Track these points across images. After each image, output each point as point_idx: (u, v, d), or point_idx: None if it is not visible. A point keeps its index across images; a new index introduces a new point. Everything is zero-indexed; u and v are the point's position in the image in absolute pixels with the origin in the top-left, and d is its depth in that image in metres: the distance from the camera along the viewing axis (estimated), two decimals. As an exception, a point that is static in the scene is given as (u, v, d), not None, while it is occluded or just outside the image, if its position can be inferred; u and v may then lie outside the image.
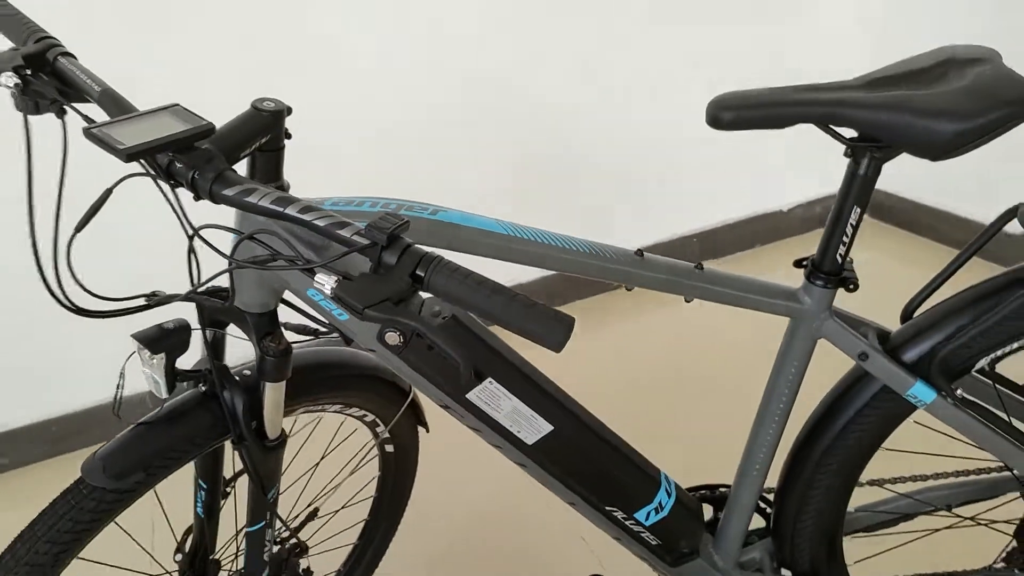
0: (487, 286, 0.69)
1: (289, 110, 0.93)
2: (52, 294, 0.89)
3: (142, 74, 1.53)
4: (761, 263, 2.70)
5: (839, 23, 2.61)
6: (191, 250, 0.87)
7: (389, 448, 1.42)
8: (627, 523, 1.15)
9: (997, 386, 1.05)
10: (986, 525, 1.22)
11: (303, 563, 1.33)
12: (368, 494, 1.49)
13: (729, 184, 2.62)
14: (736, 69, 2.42)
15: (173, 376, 0.99)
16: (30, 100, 0.91)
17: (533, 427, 1.06)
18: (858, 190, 0.95)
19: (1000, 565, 1.24)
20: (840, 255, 0.98)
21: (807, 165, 2.66)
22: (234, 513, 1.21)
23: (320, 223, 0.77)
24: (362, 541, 1.53)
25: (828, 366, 1.11)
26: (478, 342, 1.02)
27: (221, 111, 0.91)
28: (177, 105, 0.84)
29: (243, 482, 1.15)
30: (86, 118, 0.85)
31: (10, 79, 0.90)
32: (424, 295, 0.99)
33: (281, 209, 0.78)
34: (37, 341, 1.93)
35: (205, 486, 1.18)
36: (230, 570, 1.25)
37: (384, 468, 1.45)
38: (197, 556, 1.23)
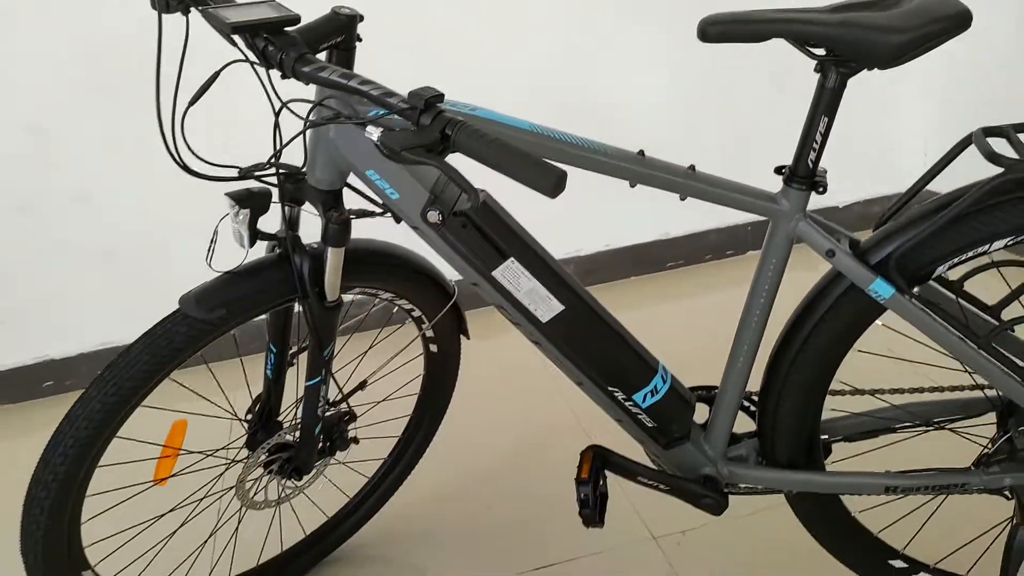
0: (498, 144, 0.88)
1: (361, 17, 1.15)
2: (170, 154, 1.13)
3: None
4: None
5: None
6: (277, 124, 1.10)
7: (433, 348, 1.62)
8: (626, 404, 1.32)
9: (952, 291, 1.20)
10: (960, 434, 1.34)
11: (351, 432, 1.54)
12: (414, 391, 1.69)
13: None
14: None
15: (255, 233, 1.22)
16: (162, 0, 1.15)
17: (548, 306, 1.25)
18: (826, 102, 1.11)
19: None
20: (811, 161, 1.15)
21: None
22: (295, 391, 1.42)
23: (374, 92, 0.98)
24: (406, 435, 1.74)
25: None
26: (502, 225, 1.22)
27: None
28: (278, 2, 1.07)
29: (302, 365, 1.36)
30: (203, 12, 1.09)
31: (149, -18, 1.14)
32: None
33: (345, 82, 1.00)
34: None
35: (274, 349, 1.41)
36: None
37: (428, 367, 1.66)
38: (263, 414, 1.46)
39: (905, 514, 1.46)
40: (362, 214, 1.28)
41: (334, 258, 1.25)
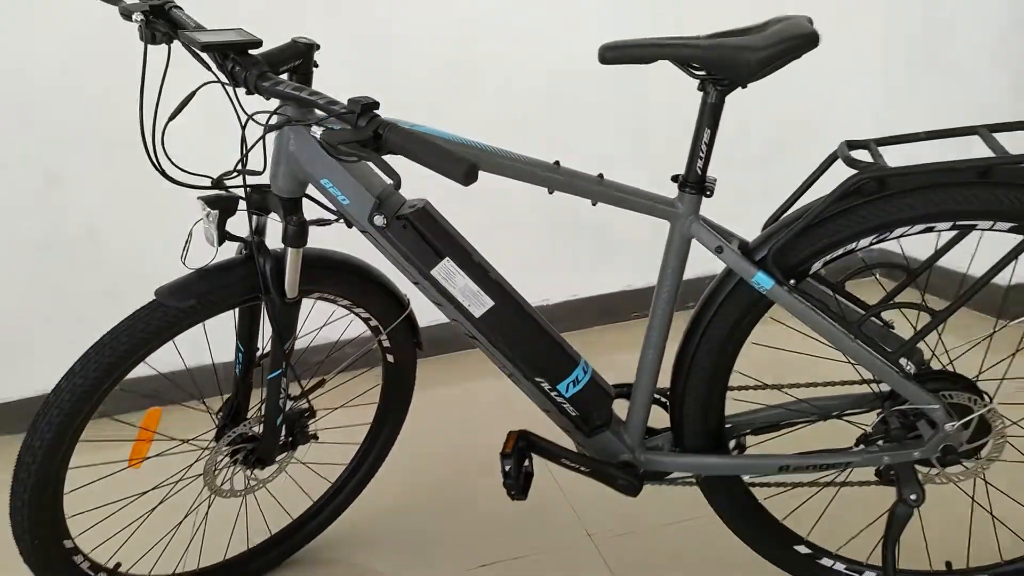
0: (421, 140, 1.06)
1: (318, 46, 1.36)
2: (152, 163, 1.33)
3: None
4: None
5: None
6: (244, 134, 1.30)
7: (390, 359, 1.79)
8: (551, 394, 1.48)
9: (833, 289, 1.37)
10: (849, 421, 1.49)
11: (311, 428, 1.70)
12: (373, 400, 1.85)
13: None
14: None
15: (223, 234, 1.40)
16: (149, 32, 1.36)
17: (479, 301, 1.42)
18: (708, 116, 1.29)
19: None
20: (700, 168, 1.33)
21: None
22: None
23: (320, 100, 1.18)
24: (367, 442, 1.89)
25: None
26: (439, 229, 1.40)
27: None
28: (241, 28, 1.28)
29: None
30: (180, 35, 1.30)
31: (139, 17, 1.35)
32: (409, 200, 1.40)
33: (297, 93, 1.20)
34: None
35: (243, 349, 1.58)
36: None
37: (386, 376, 1.82)
38: (232, 409, 1.62)
39: (804, 500, 1.60)
40: (320, 222, 1.46)
41: (293, 257, 1.44)
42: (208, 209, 1.38)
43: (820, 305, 1.33)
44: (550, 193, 1.37)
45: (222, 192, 1.40)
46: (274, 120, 1.28)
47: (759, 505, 1.56)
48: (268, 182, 1.41)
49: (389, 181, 1.11)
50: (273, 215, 1.45)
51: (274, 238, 1.44)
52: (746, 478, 1.54)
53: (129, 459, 1.54)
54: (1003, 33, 2.49)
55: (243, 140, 1.30)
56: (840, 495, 1.60)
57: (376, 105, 1.13)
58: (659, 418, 1.53)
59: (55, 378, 1.39)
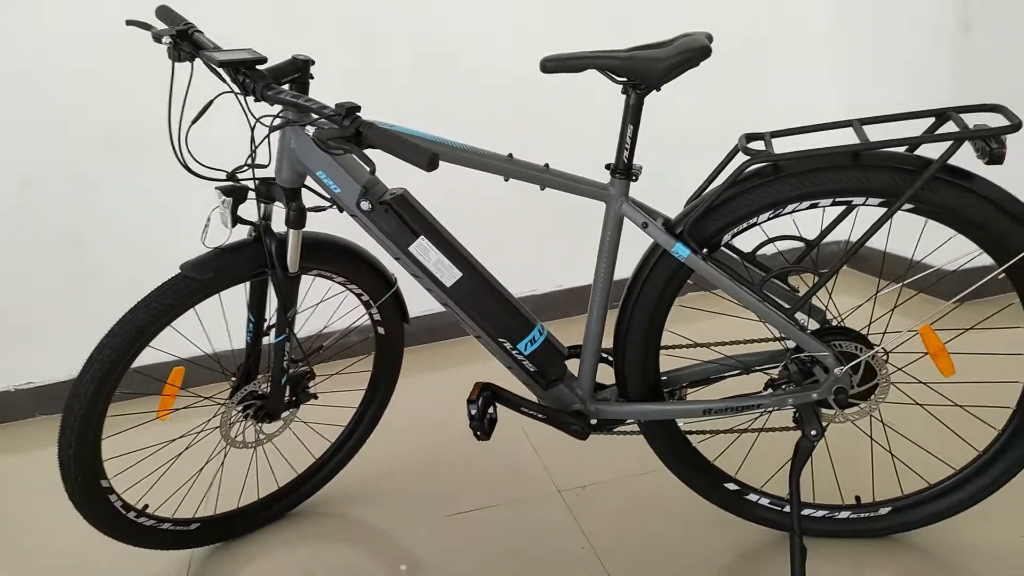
0: (392, 135, 1.34)
1: (313, 61, 1.65)
2: (178, 160, 1.61)
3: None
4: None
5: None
6: (252, 138, 1.58)
7: (381, 331, 2.07)
8: (513, 352, 1.75)
9: (744, 257, 1.64)
10: (765, 372, 1.75)
11: (312, 388, 1.97)
12: (367, 368, 2.13)
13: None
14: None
15: (236, 218, 1.69)
16: (176, 52, 1.65)
17: (450, 273, 1.70)
18: (631, 115, 1.56)
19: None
20: (626, 158, 1.59)
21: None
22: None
23: (313, 105, 1.46)
24: (362, 406, 2.16)
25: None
26: (415, 212, 1.68)
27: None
28: (251, 49, 1.57)
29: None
30: (201, 55, 1.59)
31: (168, 40, 1.64)
32: (390, 189, 1.67)
33: (295, 99, 1.49)
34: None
35: (252, 319, 1.86)
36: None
37: (377, 347, 2.10)
38: (245, 372, 1.90)
39: (729, 444, 1.86)
40: (317, 209, 1.75)
41: (294, 238, 1.72)
42: (223, 197, 1.66)
43: (729, 270, 1.59)
44: (505, 180, 1.65)
45: (235, 183, 1.68)
46: (277, 122, 1.56)
47: (693, 449, 1.81)
48: (273, 174, 1.70)
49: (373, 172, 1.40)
50: (277, 202, 1.74)
51: (278, 222, 1.73)
52: (681, 425, 1.80)
53: (157, 412, 1.82)
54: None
55: (252, 139, 1.59)
56: (764, 440, 1.86)
57: (358, 108, 1.42)
58: (609, 376, 1.79)
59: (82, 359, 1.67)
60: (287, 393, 1.92)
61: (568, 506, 2.05)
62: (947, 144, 1.42)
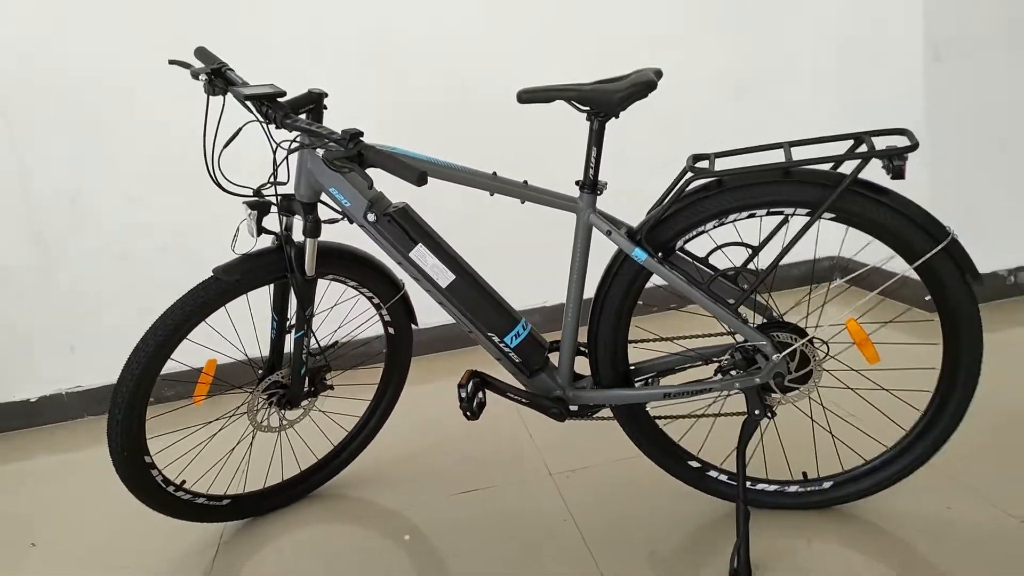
0: (387, 155, 1.62)
1: (327, 94, 1.94)
2: (212, 179, 1.90)
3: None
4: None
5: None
6: (275, 156, 1.87)
7: (391, 331, 2.34)
8: (500, 345, 2.01)
9: (698, 260, 1.89)
10: (716, 362, 1.99)
11: (329, 380, 2.25)
12: (380, 363, 2.40)
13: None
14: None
15: (261, 228, 1.97)
16: (211, 87, 1.94)
17: (444, 276, 1.97)
18: (594, 138, 1.82)
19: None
20: (592, 175, 1.84)
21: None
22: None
23: (323, 131, 1.75)
24: (375, 400, 2.43)
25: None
26: (414, 224, 1.95)
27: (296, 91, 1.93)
28: (273, 84, 1.86)
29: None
30: (231, 90, 1.89)
31: (203, 77, 1.94)
32: (394, 203, 1.95)
33: (308, 127, 1.78)
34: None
35: (276, 318, 2.14)
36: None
37: (389, 345, 2.37)
38: (269, 364, 2.18)
39: (689, 428, 2.11)
40: (330, 221, 2.03)
41: (311, 246, 2.00)
42: (250, 210, 1.95)
43: (684, 273, 1.85)
44: (491, 195, 1.92)
45: (259, 198, 1.97)
46: (294, 146, 1.85)
47: (661, 431, 2.06)
48: (292, 191, 1.98)
49: (377, 190, 1.69)
50: (296, 215, 2.02)
51: (297, 233, 2.01)
52: (649, 410, 2.05)
53: (193, 398, 2.10)
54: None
55: (274, 161, 1.88)
56: (723, 424, 2.10)
57: (361, 134, 1.70)
58: (587, 368, 2.04)
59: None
60: (306, 383, 2.19)
61: (557, 486, 2.30)
62: (857, 162, 1.66)
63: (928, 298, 1.84)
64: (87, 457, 2.90)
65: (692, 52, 3.43)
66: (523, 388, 2.05)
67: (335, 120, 2.66)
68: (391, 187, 2.02)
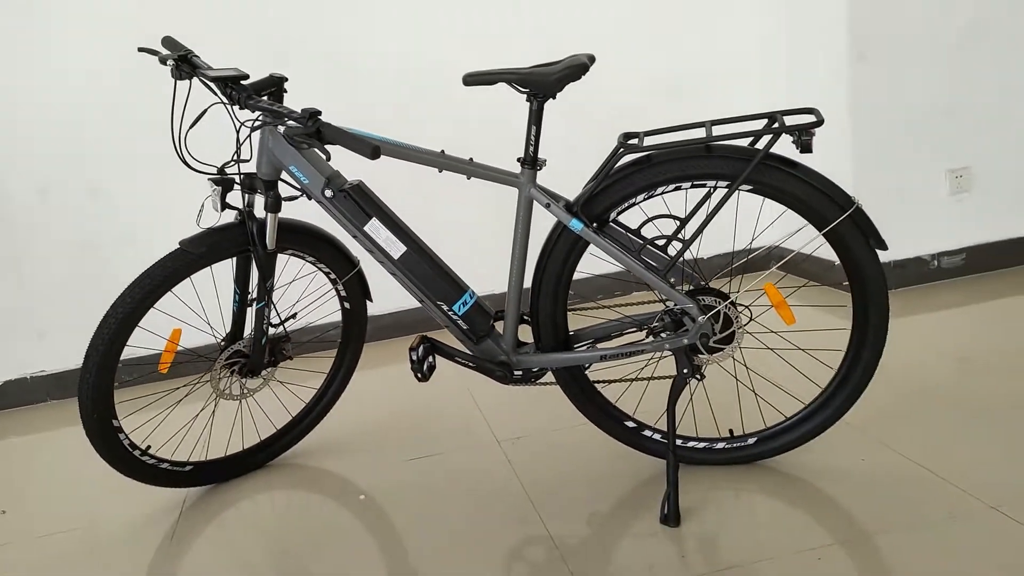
0: (344, 132, 1.76)
1: (286, 79, 2.08)
2: (180, 158, 2.03)
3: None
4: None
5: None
6: (238, 139, 2.01)
7: (347, 305, 2.48)
8: (448, 313, 2.15)
9: (630, 231, 2.04)
10: (648, 328, 2.15)
11: (286, 350, 2.38)
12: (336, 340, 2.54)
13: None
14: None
15: (224, 204, 2.10)
16: (178, 72, 2.08)
17: (396, 248, 2.11)
18: (534, 117, 1.97)
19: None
20: (531, 152, 1.99)
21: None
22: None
23: (283, 110, 1.89)
24: (331, 372, 2.56)
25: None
26: (369, 199, 2.10)
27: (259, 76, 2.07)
28: (237, 68, 2.00)
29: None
30: (198, 74, 2.02)
31: (171, 62, 2.08)
32: (349, 180, 2.09)
33: (269, 106, 1.92)
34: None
35: (238, 290, 2.27)
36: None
37: (344, 319, 2.50)
38: (231, 336, 2.30)
39: (626, 388, 2.27)
40: (289, 198, 2.16)
41: (271, 220, 2.14)
42: (214, 187, 2.08)
43: (616, 242, 2.01)
44: (439, 172, 2.07)
45: (223, 175, 2.10)
46: (257, 124, 1.99)
47: (599, 393, 2.21)
48: (255, 169, 2.12)
49: (334, 168, 1.84)
50: (258, 193, 2.15)
51: (259, 210, 2.14)
52: (590, 375, 2.20)
53: (159, 365, 2.22)
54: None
55: (238, 139, 2.02)
56: (656, 387, 2.26)
57: (319, 113, 1.84)
58: (530, 337, 2.20)
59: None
60: (266, 354, 2.32)
61: (504, 451, 2.44)
62: (769, 137, 1.84)
63: (845, 283, 2.01)
64: (55, 436, 3.00)
65: (630, 52, 3.61)
66: (470, 353, 2.19)
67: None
68: (347, 166, 2.16)
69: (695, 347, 2.03)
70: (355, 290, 2.44)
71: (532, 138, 1.99)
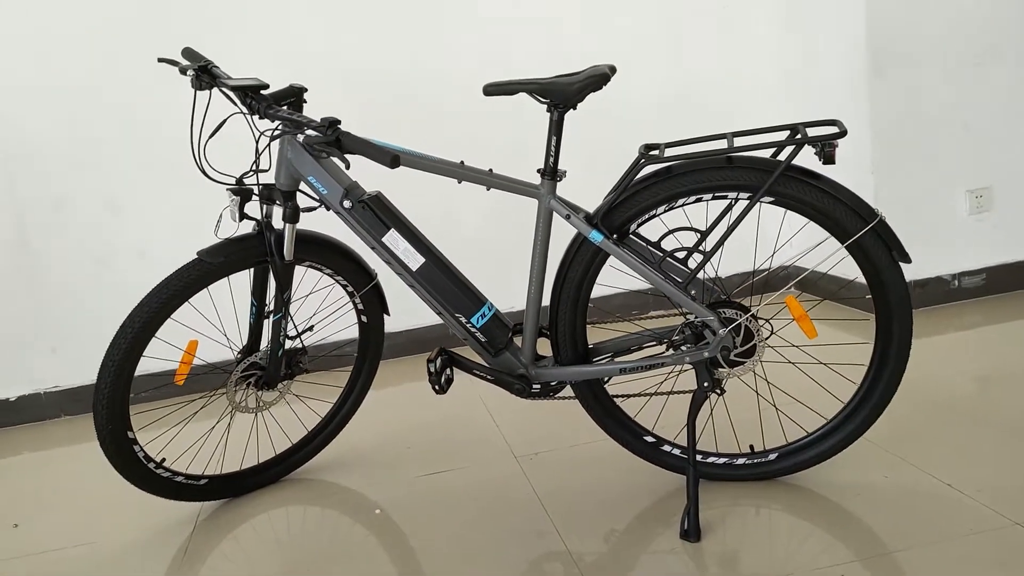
0: (364, 141, 1.76)
1: (306, 89, 2.08)
2: (199, 168, 2.03)
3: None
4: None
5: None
6: (257, 149, 2.01)
7: (364, 319, 2.47)
8: (467, 326, 2.14)
9: (649, 243, 2.03)
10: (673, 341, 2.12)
11: (303, 363, 2.36)
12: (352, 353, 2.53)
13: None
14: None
15: (243, 214, 2.10)
16: (198, 82, 2.08)
17: (414, 259, 2.10)
18: (554, 128, 1.97)
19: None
20: (552, 163, 1.99)
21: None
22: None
23: (304, 119, 1.89)
24: (348, 387, 2.55)
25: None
26: (387, 210, 2.09)
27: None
28: (257, 78, 2.00)
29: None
30: (218, 83, 2.02)
31: (191, 73, 2.08)
32: (368, 191, 2.09)
33: (290, 115, 1.92)
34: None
35: (255, 303, 2.26)
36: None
37: (361, 333, 2.49)
38: (248, 348, 2.29)
39: (645, 403, 2.24)
40: (308, 209, 2.16)
41: (289, 231, 2.13)
42: (233, 196, 2.08)
43: (636, 253, 1.99)
44: (459, 183, 2.07)
45: (242, 185, 2.10)
46: (276, 132, 1.99)
47: (618, 407, 2.19)
48: (273, 180, 2.12)
49: (352, 179, 1.85)
50: (276, 204, 2.15)
51: (277, 222, 2.14)
52: (609, 390, 2.18)
53: (175, 377, 2.21)
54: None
55: (256, 148, 2.02)
56: (676, 402, 2.23)
57: (339, 122, 1.84)
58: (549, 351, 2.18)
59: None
60: (283, 366, 2.30)
61: (521, 467, 2.42)
62: (791, 148, 1.83)
63: (868, 296, 1.99)
64: (68, 452, 2.99)
65: (649, 68, 3.62)
66: (488, 366, 2.17)
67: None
68: (366, 179, 2.16)
69: (715, 360, 2.01)
70: (372, 303, 2.43)
71: (552, 149, 1.99)
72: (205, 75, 2.07)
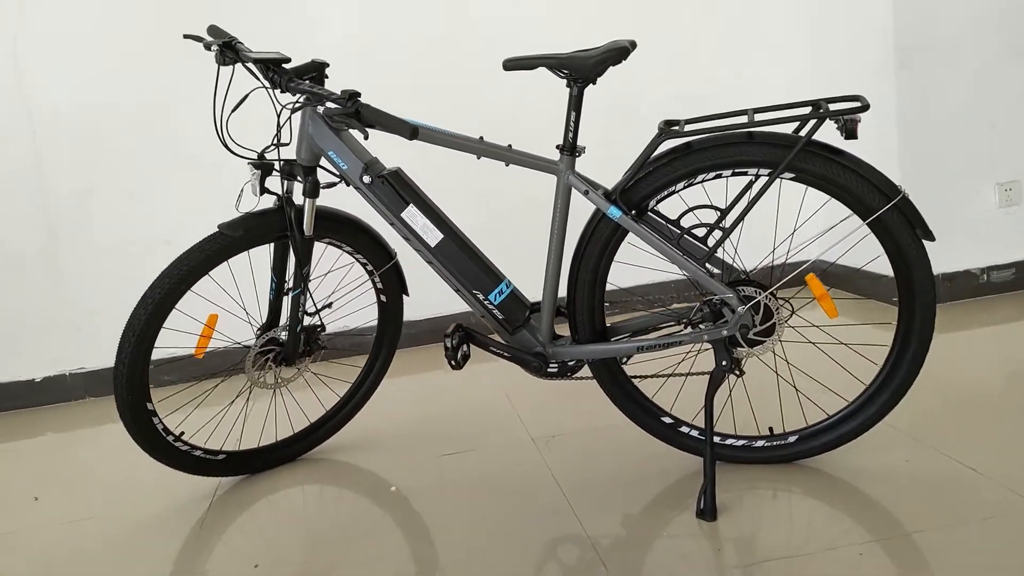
0: (383, 113, 1.77)
1: (328, 64, 2.09)
2: (221, 142, 2.05)
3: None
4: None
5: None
6: (278, 123, 2.02)
7: (383, 299, 2.47)
8: (485, 303, 2.13)
9: (669, 221, 2.01)
10: (688, 321, 2.11)
11: (321, 340, 2.37)
12: (372, 333, 2.53)
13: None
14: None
15: (263, 188, 2.11)
16: (222, 58, 2.10)
17: (433, 235, 2.10)
18: (574, 103, 1.96)
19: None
20: (571, 138, 1.98)
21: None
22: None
23: (324, 92, 1.90)
24: (367, 366, 2.55)
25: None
26: (406, 186, 2.09)
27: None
28: (279, 51, 2.01)
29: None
30: (241, 56, 2.04)
31: (215, 48, 2.10)
32: (388, 167, 2.09)
33: (311, 88, 1.93)
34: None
35: (275, 278, 2.27)
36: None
37: (380, 313, 2.49)
38: (268, 324, 2.30)
39: (662, 383, 2.22)
40: (328, 185, 2.17)
41: (310, 205, 2.14)
42: (254, 171, 2.09)
43: (654, 230, 1.98)
44: (478, 159, 2.06)
45: (263, 160, 2.11)
46: (297, 105, 2.00)
47: (636, 388, 2.17)
48: (294, 155, 2.13)
49: (372, 155, 1.84)
50: (297, 179, 2.16)
51: (297, 198, 2.15)
52: (627, 370, 2.16)
53: (195, 350, 2.22)
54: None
55: (278, 122, 2.03)
56: (693, 386, 2.21)
57: (359, 94, 1.85)
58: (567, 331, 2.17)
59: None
60: (301, 342, 2.31)
61: (539, 449, 2.41)
62: (813, 122, 1.81)
63: (895, 299, 1.96)
64: (92, 433, 3.02)
65: (672, 57, 3.61)
66: (505, 343, 2.17)
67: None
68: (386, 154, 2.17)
69: (734, 339, 1.98)
70: (391, 283, 2.43)
71: (571, 124, 1.98)
72: (229, 51, 2.09)
